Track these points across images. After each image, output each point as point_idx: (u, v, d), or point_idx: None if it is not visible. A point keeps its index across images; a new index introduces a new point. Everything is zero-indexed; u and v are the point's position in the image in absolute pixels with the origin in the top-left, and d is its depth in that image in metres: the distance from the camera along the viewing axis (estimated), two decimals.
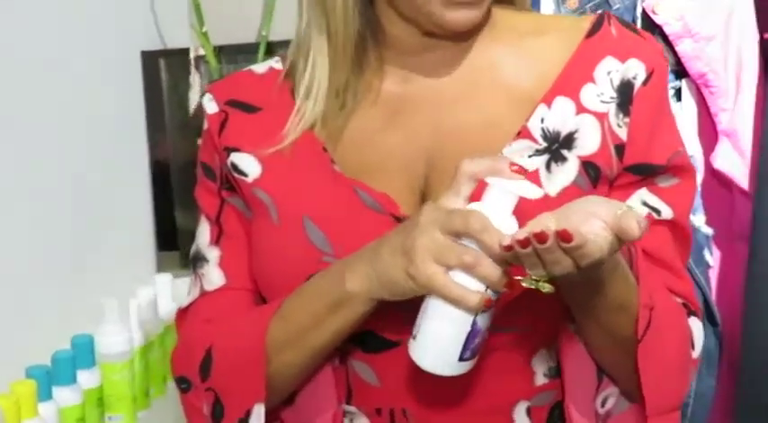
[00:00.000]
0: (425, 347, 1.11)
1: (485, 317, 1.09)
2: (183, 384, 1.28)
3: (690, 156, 1.30)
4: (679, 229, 1.25)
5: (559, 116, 1.21)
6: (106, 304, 1.89)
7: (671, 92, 1.90)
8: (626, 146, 1.21)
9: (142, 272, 2.21)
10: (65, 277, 1.98)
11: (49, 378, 1.74)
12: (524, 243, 1.02)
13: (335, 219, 1.22)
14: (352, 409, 1.25)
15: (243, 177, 1.27)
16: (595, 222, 1.04)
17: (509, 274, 1.07)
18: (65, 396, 1.77)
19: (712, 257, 1.99)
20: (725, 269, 2.01)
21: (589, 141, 1.21)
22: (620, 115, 1.21)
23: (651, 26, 1.90)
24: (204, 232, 1.32)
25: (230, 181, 1.29)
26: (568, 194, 1.19)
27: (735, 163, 1.94)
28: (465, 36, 1.23)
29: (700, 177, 1.94)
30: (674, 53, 1.92)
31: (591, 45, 1.23)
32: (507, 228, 1.06)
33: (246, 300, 1.29)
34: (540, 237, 1.01)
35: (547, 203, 1.12)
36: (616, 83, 1.22)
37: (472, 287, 1.07)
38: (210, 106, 1.31)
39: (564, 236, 1.01)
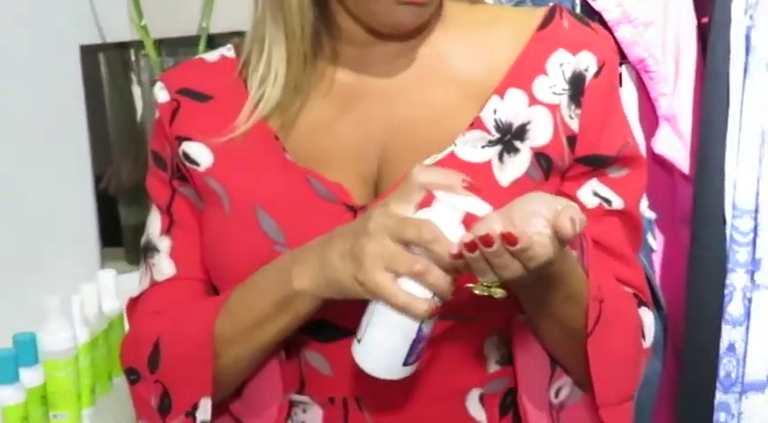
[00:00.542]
0: (370, 352, 1.11)
1: (429, 323, 1.09)
2: (133, 376, 1.27)
3: None
4: (629, 219, 1.26)
5: (512, 107, 1.22)
6: (49, 301, 1.87)
7: None
8: (577, 137, 1.22)
9: (86, 268, 2.19)
10: (6, 274, 1.96)
11: None
12: (471, 246, 1.02)
13: (288, 208, 1.21)
14: (304, 398, 1.25)
15: (195, 167, 1.26)
16: (538, 221, 1.04)
17: (458, 282, 1.07)
18: (7, 395, 1.74)
19: (656, 241, 2.01)
20: (668, 253, 2.03)
21: (541, 133, 1.22)
22: (572, 107, 1.22)
23: (590, 12, 1.91)
24: (155, 222, 1.31)
25: (182, 170, 1.28)
26: (520, 185, 1.19)
27: (675, 147, 1.96)
28: (414, 33, 1.23)
29: None
30: (614, 39, 1.93)
31: (543, 37, 1.24)
32: (455, 238, 1.05)
33: (197, 290, 1.28)
34: (486, 239, 1.01)
35: (499, 196, 1.12)
36: (568, 75, 1.22)
37: (419, 294, 1.06)
38: (162, 95, 1.30)
39: (509, 239, 1.01)
